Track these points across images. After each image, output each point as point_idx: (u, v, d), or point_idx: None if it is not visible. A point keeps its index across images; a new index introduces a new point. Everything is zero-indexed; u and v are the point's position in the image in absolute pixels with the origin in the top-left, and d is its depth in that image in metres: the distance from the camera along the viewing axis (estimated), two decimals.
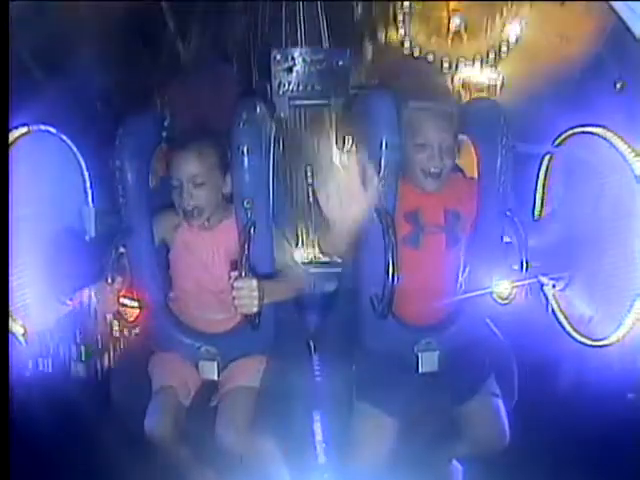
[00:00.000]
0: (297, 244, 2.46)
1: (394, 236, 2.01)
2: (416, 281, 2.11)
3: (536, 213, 2.26)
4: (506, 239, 2.17)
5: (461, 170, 2.25)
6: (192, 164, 2.08)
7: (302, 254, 2.63)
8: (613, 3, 1.55)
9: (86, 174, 2.27)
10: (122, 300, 2.13)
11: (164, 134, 2.24)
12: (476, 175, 2.18)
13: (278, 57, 2.98)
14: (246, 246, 2.05)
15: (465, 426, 2.18)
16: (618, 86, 2.03)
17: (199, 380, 2.27)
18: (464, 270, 2.21)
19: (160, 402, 2.15)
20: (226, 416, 2.13)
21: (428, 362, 2.22)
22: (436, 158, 2.04)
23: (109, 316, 2.08)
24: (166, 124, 2.31)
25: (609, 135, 1.88)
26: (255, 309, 1.98)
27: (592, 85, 1.92)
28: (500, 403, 2.19)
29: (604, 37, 1.73)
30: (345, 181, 1.88)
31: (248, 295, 1.95)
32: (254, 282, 1.95)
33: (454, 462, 2.30)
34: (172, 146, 2.09)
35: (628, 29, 1.55)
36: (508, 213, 2.14)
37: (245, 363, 2.25)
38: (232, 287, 1.97)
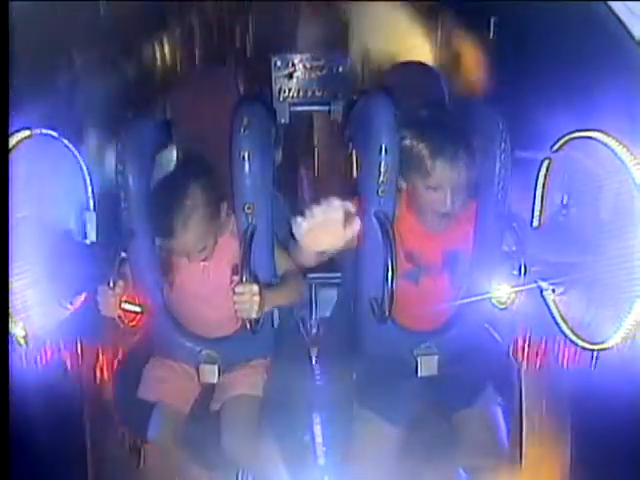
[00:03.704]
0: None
1: (393, 240, 2.02)
2: (418, 306, 2.13)
3: (535, 218, 2.26)
4: (505, 249, 2.18)
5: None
6: (190, 243, 2.04)
7: None
8: (612, 4, 1.56)
9: (87, 178, 2.27)
10: (123, 304, 2.12)
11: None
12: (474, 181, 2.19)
13: (279, 63, 3.00)
14: (247, 251, 2.06)
15: (464, 431, 2.18)
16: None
17: (198, 386, 2.27)
18: (465, 281, 2.22)
19: (161, 412, 2.16)
20: (230, 424, 2.14)
21: (427, 366, 2.23)
22: (448, 199, 2.01)
23: (110, 320, 2.07)
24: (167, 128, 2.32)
25: (608, 139, 1.88)
26: (256, 314, 1.98)
27: (591, 88, 1.93)
28: (499, 409, 2.19)
29: (603, 39, 1.73)
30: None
31: (249, 300, 1.95)
32: (255, 287, 1.95)
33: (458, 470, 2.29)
34: (163, 228, 2.02)
35: (627, 30, 1.56)
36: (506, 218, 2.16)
37: (247, 370, 2.26)
38: (233, 292, 1.97)
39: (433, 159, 1.99)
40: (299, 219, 1.72)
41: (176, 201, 2.01)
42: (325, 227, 1.72)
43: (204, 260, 2.16)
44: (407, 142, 2.04)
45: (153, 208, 2.08)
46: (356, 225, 1.71)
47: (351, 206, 1.72)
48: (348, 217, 1.70)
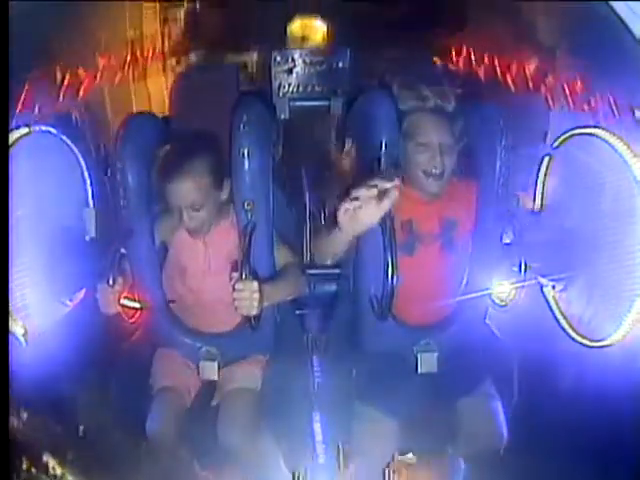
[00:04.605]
0: (297, 245, 2.45)
1: (393, 237, 2.01)
2: (413, 285, 2.11)
3: (535, 214, 2.26)
4: (505, 240, 2.18)
5: (461, 172, 2.24)
6: (189, 192, 2.02)
7: (302, 255, 2.63)
8: (613, 3, 1.55)
9: (86, 175, 2.27)
10: (123, 301, 2.12)
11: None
12: (475, 177, 2.19)
13: (278, 58, 2.99)
14: (246, 248, 2.05)
15: (462, 426, 2.18)
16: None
17: (199, 381, 2.28)
18: (463, 272, 2.21)
19: (162, 405, 2.16)
20: (228, 416, 2.14)
21: (427, 363, 2.23)
22: (437, 158, 2.02)
23: (110, 317, 2.07)
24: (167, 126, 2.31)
25: (608, 136, 1.89)
26: (255, 311, 1.97)
27: (592, 86, 1.93)
28: (497, 404, 2.19)
29: (603, 37, 1.73)
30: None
31: (249, 297, 1.94)
32: (255, 284, 1.94)
33: (457, 461, 2.30)
34: (165, 172, 2.02)
35: (628, 29, 1.55)
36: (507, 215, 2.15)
37: (245, 364, 2.26)
38: (233, 288, 1.96)
39: (419, 113, 2.02)
40: (345, 206, 1.73)
41: (182, 155, 2.02)
42: (365, 207, 1.73)
43: (204, 241, 2.16)
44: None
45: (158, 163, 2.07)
46: (393, 195, 1.72)
47: (384, 181, 1.73)
48: (382, 192, 1.72)
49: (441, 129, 2.03)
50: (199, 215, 2.07)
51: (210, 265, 2.19)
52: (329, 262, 2.13)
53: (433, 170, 2.04)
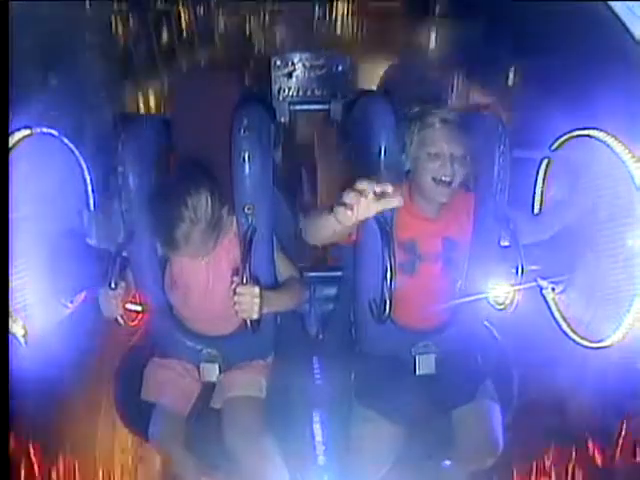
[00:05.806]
0: (297, 248, 2.45)
1: (392, 241, 2.01)
2: (413, 300, 2.14)
3: (534, 217, 2.26)
4: (504, 243, 2.18)
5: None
6: (194, 252, 2.04)
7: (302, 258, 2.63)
8: (612, 4, 1.56)
9: (87, 177, 2.27)
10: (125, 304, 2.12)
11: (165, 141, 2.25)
12: (473, 183, 2.19)
13: (278, 62, 3.00)
14: (247, 252, 2.05)
15: (461, 429, 2.18)
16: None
17: (198, 387, 2.28)
18: (463, 278, 2.22)
19: (163, 412, 2.18)
20: (234, 425, 2.15)
21: (425, 365, 2.24)
22: (448, 166, 2.03)
23: (111, 319, 2.07)
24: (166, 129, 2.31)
25: (607, 138, 1.89)
26: (256, 315, 1.97)
27: (591, 87, 1.93)
28: (496, 407, 2.20)
29: (603, 38, 1.74)
30: None
31: (249, 301, 1.94)
32: (256, 289, 1.95)
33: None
34: (169, 246, 2.03)
35: (627, 30, 1.56)
36: (505, 220, 2.16)
37: (247, 370, 2.26)
38: (234, 292, 1.96)
39: (429, 123, 2.03)
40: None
41: (178, 216, 1.96)
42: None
43: (207, 260, 2.16)
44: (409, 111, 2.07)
45: (155, 220, 2.05)
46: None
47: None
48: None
49: (451, 140, 2.04)
50: (206, 254, 2.10)
51: (213, 280, 2.18)
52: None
53: (443, 177, 2.05)
